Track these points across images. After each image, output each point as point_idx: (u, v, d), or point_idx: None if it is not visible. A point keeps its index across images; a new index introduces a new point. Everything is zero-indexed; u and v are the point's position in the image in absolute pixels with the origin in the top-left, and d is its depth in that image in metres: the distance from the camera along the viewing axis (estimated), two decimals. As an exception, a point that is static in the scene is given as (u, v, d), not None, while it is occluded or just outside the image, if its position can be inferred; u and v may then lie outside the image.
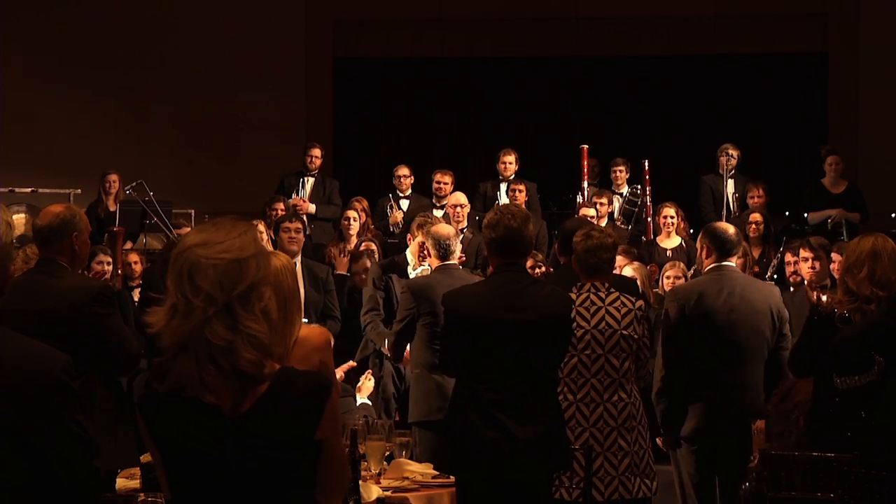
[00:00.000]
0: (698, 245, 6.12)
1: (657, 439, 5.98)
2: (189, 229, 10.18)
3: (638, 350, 5.50)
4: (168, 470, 2.57)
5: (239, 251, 2.52)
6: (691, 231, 10.75)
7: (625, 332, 5.45)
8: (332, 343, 5.93)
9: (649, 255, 10.04)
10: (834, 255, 7.27)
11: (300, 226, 8.48)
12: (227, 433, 2.51)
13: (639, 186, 11.31)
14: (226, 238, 2.53)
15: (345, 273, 9.14)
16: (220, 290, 2.48)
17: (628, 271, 7.99)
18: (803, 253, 7.76)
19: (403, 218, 11.13)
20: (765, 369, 5.87)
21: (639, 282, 7.55)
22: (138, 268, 9.14)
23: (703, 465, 5.90)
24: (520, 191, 10.88)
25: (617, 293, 5.55)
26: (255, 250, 2.55)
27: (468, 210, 10.23)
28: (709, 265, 5.96)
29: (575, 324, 5.29)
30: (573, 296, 5.40)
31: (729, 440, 5.77)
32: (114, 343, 5.05)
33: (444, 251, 6.48)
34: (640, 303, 5.61)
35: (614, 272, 6.39)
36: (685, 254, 10.18)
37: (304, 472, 2.54)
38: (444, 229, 6.67)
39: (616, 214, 11.37)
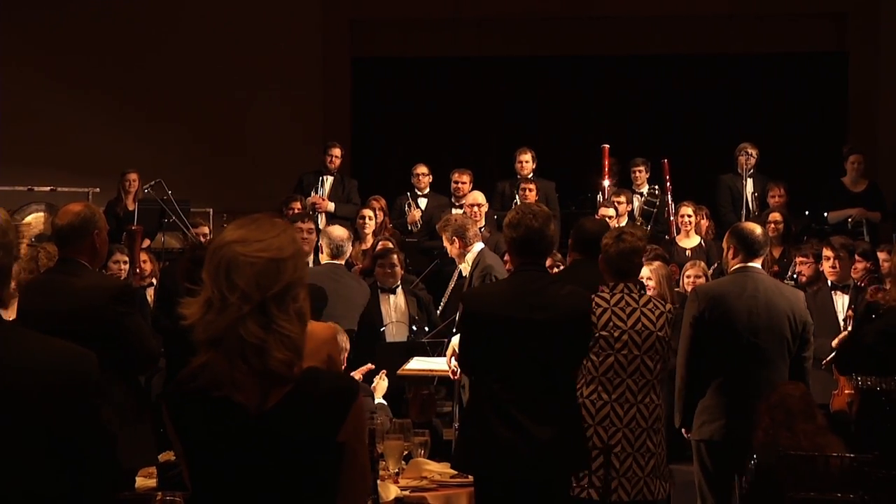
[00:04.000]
0: (724, 245, 6.07)
1: (684, 432, 6.00)
2: (206, 228, 10.23)
3: (666, 352, 5.50)
4: (191, 466, 2.58)
5: (277, 251, 2.52)
6: (713, 230, 10.73)
7: (660, 333, 5.43)
8: (345, 339, 6.00)
9: (669, 255, 10.02)
10: (881, 254, 7.26)
11: (312, 226, 8.52)
12: (250, 430, 2.51)
13: (657, 187, 11.29)
14: (265, 237, 2.53)
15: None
16: (256, 289, 2.48)
17: (645, 272, 7.95)
18: (825, 252, 7.74)
19: (422, 216, 11.14)
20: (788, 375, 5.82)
21: (654, 282, 7.52)
22: (148, 267, 9.16)
23: (723, 466, 5.88)
24: (530, 190, 10.87)
25: (648, 295, 5.57)
26: (293, 251, 2.55)
27: (486, 209, 10.23)
28: (734, 265, 5.92)
29: (612, 324, 5.31)
30: (606, 296, 5.40)
31: (749, 443, 5.74)
32: (134, 342, 5.06)
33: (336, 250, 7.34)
34: (670, 305, 5.62)
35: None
36: (704, 253, 10.16)
37: (324, 476, 2.53)
38: (338, 231, 7.53)
39: (635, 214, 11.36)
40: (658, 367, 5.44)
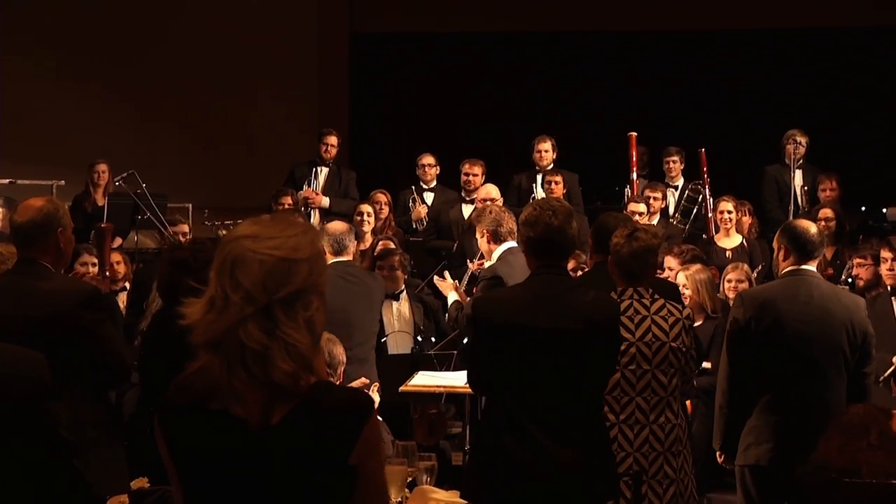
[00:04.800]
0: (775, 245, 5.99)
1: (717, 456, 5.97)
2: (185, 226, 10.25)
3: (685, 364, 5.47)
4: (185, 487, 2.58)
5: (291, 250, 2.53)
6: (756, 228, 10.72)
7: (673, 344, 5.40)
8: (340, 351, 6.01)
9: (706, 256, 10.01)
10: None
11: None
12: (250, 448, 2.51)
13: (700, 182, 11.27)
14: (280, 234, 2.55)
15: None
16: (261, 290, 2.50)
17: (681, 278, 7.93)
18: (884, 253, 7.70)
19: (428, 213, 11.14)
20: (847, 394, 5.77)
21: (690, 289, 7.49)
22: (122, 269, 9.17)
23: (769, 495, 5.84)
24: (556, 183, 10.87)
25: (662, 300, 5.51)
26: (310, 253, 2.56)
27: (500, 204, 10.21)
28: (785, 268, 5.86)
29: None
30: None
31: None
32: (106, 353, 5.05)
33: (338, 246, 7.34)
34: (688, 310, 5.58)
35: (658, 275, 6.39)
36: (747, 254, 10.14)
37: (334, 501, 2.53)
38: (336, 225, 7.64)
39: (672, 211, 11.35)
40: (674, 381, 5.41)
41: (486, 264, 7.73)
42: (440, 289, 7.86)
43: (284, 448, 2.50)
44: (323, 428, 2.51)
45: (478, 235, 7.63)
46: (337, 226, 7.91)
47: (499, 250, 7.43)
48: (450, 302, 7.66)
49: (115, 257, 9.25)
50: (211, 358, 2.51)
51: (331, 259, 7.64)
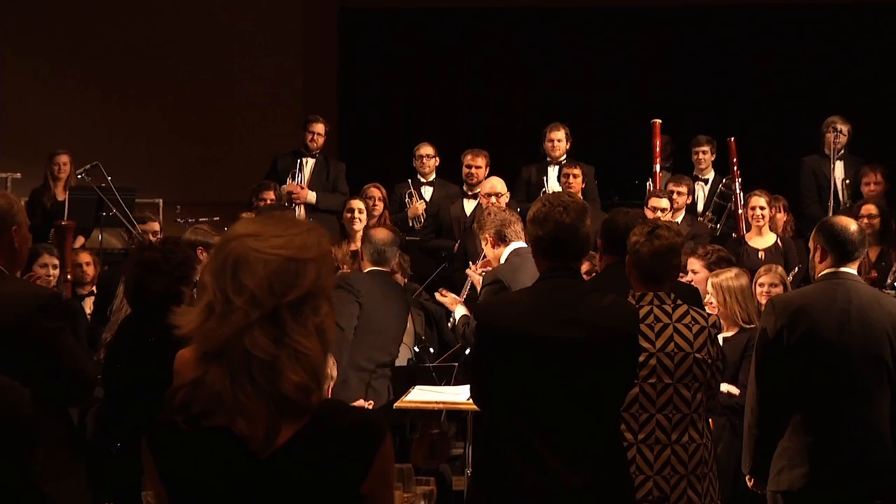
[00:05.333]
0: (811, 245, 5.96)
1: (747, 480, 5.97)
2: (155, 224, 10.25)
3: (711, 377, 5.47)
4: None
5: (299, 250, 2.55)
6: (792, 226, 10.73)
7: (698, 355, 5.40)
8: (332, 364, 6.06)
9: (737, 258, 10.01)
10: None
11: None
12: (253, 473, 2.52)
13: (731, 176, 11.25)
14: (286, 232, 2.56)
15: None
16: (268, 293, 2.50)
17: (709, 287, 7.86)
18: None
19: (426, 209, 11.15)
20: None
21: (717, 300, 7.45)
22: (91, 270, 9.18)
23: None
24: (574, 176, 10.89)
25: (685, 306, 5.51)
26: (318, 253, 2.58)
27: (507, 200, 10.23)
28: (822, 271, 5.84)
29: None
30: None
31: (839, 495, 5.67)
32: (67, 365, 5.04)
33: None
34: (714, 317, 5.58)
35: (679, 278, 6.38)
36: (781, 255, 10.14)
37: None
38: (381, 233, 7.93)
39: (701, 208, 11.35)
40: (699, 396, 5.40)
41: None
42: (446, 306, 7.95)
43: (291, 473, 2.51)
44: (334, 452, 2.52)
45: (482, 243, 7.68)
46: (382, 234, 8.12)
47: (506, 252, 7.45)
48: (457, 317, 7.72)
49: (84, 258, 9.27)
50: (212, 369, 2.51)
51: (367, 267, 7.96)
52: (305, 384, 2.50)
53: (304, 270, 2.53)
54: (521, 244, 7.33)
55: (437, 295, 8.01)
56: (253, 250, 2.52)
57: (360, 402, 7.13)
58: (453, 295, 7.95)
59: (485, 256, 9.17)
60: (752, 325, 7.47)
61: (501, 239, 7.46)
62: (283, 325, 2.50)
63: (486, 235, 7.58)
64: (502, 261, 7.49)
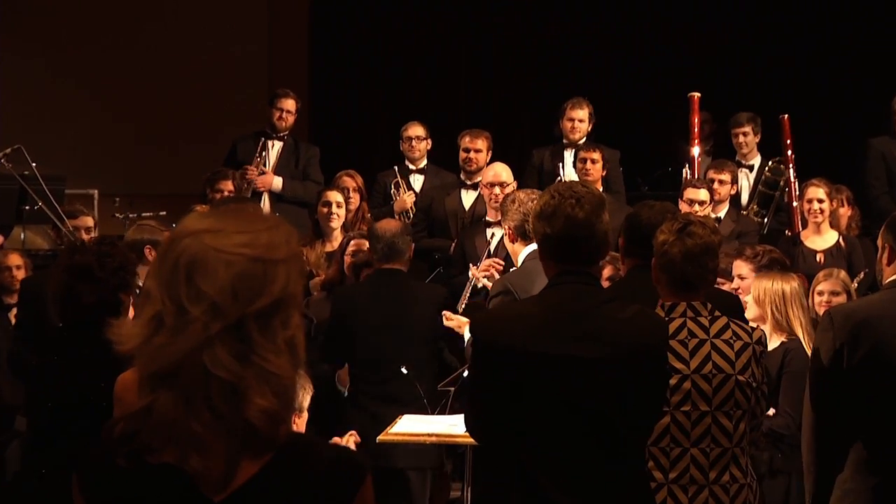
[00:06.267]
0: (879, 244, 5.97)
1: None
2: (89, 219, 10.24)
3: (756, 402, 5.48)
4: None
5: (266, 249, 2.53)
6: (857, 222, 10.75)
7: (740, 377, 5.40)
8: (307, 385, 6.08)
9: (790, 261, 10.03)
10: None
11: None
12: None
13: (782, 159, 11.27)
14: (249, 228, 2.55)
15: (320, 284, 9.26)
16: (231, 300, 2.48)
17: (750, 300, 7.82)
18: None
19: (416, 202, 11.16)
20: None
21: (755, 311, 7.45)
22: (21, 275, 9.19)
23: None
24: (593, 161, 10.85)
25: (725, 318, 5.51)
26: (287, 254, 2.57)
27: (513, 190, 10.21)
28: (892, 276, 5.84)
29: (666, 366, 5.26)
30: None
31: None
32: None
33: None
34: (759, 332, 5.58)
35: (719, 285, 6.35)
36: (844, 257, 10.15)
37: None
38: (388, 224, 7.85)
39: (745, 200, 11.36)
40: (742, 427, 5.41)
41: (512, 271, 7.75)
42: (455, 329, 7.91)
43: None
44: (303, 496, 2.52)
45: (504, 229, 7.65)
46: (388, 224, 8.22)
47: (524, 252, 7.44)
48: (467, 339, 7.68)
49: (13, 260, 9.29)
50: (162, 394, 2.48)
51: (521, 249, 7.60)
52: (274, 411, 2.48)
53: (272, 274, 2.52)
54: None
55: (444, 320, 7.97)
56: (212, 249, 2.50)
57: (337, 440, 7.13)
58: (460, 317, 7.90)
59: (489, 255, 9.19)
60: (793, 338, 7.47)
61: (523, 234, 7.39)
62: (248, 340, 2.48)
63: (507, 226, 7.57)
64: (518, 263, 7.48)
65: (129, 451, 2.51)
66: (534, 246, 7.25)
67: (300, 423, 6.00)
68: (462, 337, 7.70)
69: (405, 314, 8.10)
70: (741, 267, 8.31)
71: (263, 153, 11.39)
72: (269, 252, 2.53)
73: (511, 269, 7.74)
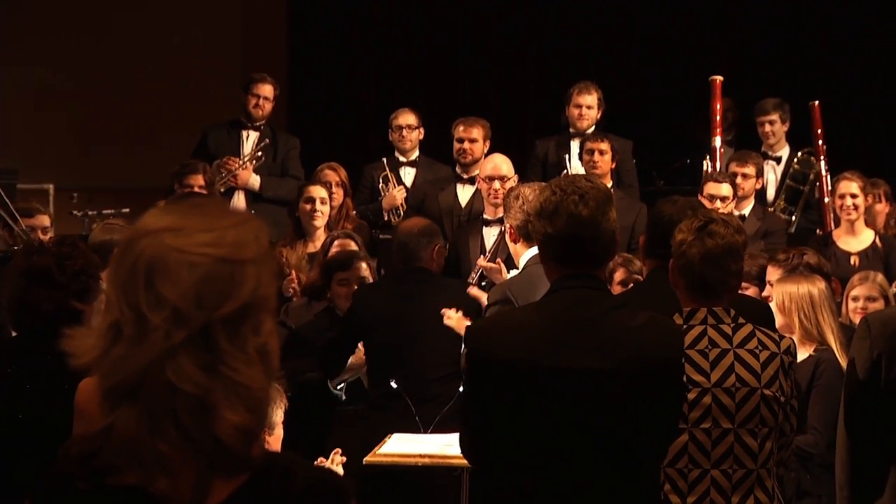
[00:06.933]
0: None
1: None
2: (45, 218, 10.25)
3: (784, 419, 5.49)
4: None
5: (233, 248, 2.51)
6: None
7: (767, 391, 5.40)
8: (280, 398, 6.12)
9: (819, 262, 10.03)
10: None
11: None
12: None
13: (812, 150, 11.28)
14: (215, 225, 2.52)
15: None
16: (195, 306, 2.45)
17: (777, 296, 7.84)
18: None
19: (407, 198, 11.17)
20: None
21: (783, 316, 7.47)
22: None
23: None
24: (601, 152, 10.86)
25: (750, 326, 5.50)
26: (257, 253, 2.54)
27: (513, 184, 10.19)
28: (930, 281, 5.88)
29: (685, 377, 5.23)
30: None
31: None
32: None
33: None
34: (788, 340, 5.57)
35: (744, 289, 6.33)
36: (881, 259, 10.16)
37: None
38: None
39: (772, 195, 11.38)
40: (768, 446, 5.41)
41: (511, 273, 7.76)
42: (453, 328, 7.92)
43: None
44: None
45: (507, 226, 7.66)
46: (406, 224, 8.34)
47: (527, 255, 7.45)
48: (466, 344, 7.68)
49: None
50: (123, 411, 2.47)
51: (523, 250, 7.66)
52: (246, 426, 2.47)
53: (241, 275, 2.49)
54: None
55: (445, 316, 7.98)
56: (173, 250, 2.47)
57: (322, 461, 7.15)
58: (461, 315, 7.90)
59: (488, 258, 9.22)
60: (824, 347, 7.49)
61: (526, 235, 7.37)
62: (216, 349, 2.46)
63: (510, 224, 7.57)
64: (520, 266, 7.48)
65: (89, 473, 2.50)
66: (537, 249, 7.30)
67: (273, 441, 6.00)
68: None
69: (423, 313, 8.11)
70: (773, 273, 8.30)
71: (239, 151, 11.42)
72: (237, 251, 2.50)
73: (511, 274, 7.74)
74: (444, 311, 7.94)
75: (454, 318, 7.83)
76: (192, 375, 2.44)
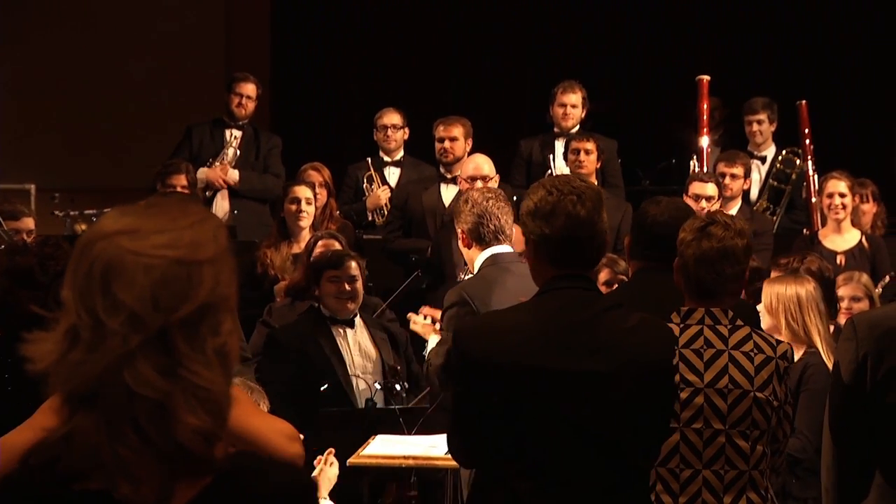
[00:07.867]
0: None
1: None
2: (29, 220, 10.23)
3: (778, 424, 5.48)
4: None
5: (190, 249, 2.50)
6: (883, 220, 10.77)
7: (759, 394, 5.39)
8: (263, 401, 6.09)
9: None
10: None
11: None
12: None
13: (798, 151, 11.29)
14: (171, 226, 2.51)
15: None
16: (152, 309, 2.45)
17: (765, 297, 7.83)
18: None
19: (392, 198, 11.15)
20: None
21: (771, 319, 7.46)
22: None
23: None
24: (587, 152, 10.84)
25: (747, 328, 5.50)
26: (215, 252, 2.54)
27: (496, 185, 10.18)
28: (918, 280, 5.88)
29: (678, 377, 5.25)
30: (674, 330, 5.37)
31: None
32: None
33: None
34: (785, 345, 5.57)
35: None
36: (868, 259, 10.15)
37: None
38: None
39: (756, 195, 11.38)
40: (759, 448, 5.40)
41: (467, 276, 7.71)
42: (419, 333, 7.86)
43: None
44: None
45: (459, 234, 7.58)
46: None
47: (480, 258, 7.40)
48: (428, 349, 7.59)
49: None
50: (81, 418, 2.46)
51: (476, 254, 7.42)
52: (207, 429, 2.46)
53: (198, 276, 2.49)
54: (504, 249, 7.25)
55: (411, 321, 7.91)
56: (128, 252, 2.47)
57: (327, 455, 7.10)
58: (426, 319, 7.84)
59: None
60: (813, 350, 7.48)
61: (478, 238, 7.31)
62: (174, 352, 2.45)
63: (461, 229, 7.51)
64: (474, 270, 7.43)
65: (52, 480, 2.49)
66: (491, 251, 7.22)
67: None
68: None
69: None
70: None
71: (222, 152, 11.40)
72: (194, 252, 2.50)
73: (467, 277, 7.69)
74: (410, 315, 7.92)
75: (419, 324, 7.79)
76: (150, 380, 2.43)
